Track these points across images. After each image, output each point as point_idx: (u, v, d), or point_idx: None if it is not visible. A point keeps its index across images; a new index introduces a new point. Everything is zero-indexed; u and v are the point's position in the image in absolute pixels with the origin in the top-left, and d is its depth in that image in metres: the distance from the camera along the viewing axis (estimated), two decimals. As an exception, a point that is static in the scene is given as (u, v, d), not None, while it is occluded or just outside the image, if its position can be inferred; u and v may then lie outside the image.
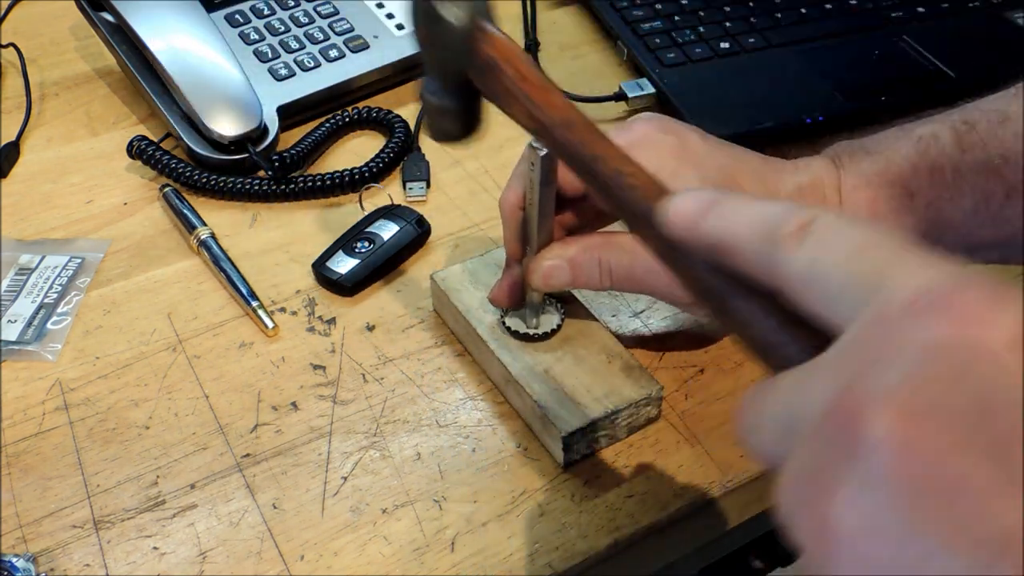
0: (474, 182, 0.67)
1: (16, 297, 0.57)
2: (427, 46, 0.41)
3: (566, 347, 0.51)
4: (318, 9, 0.76)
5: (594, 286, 0.49)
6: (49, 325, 0.56)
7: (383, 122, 0.71)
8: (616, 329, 0.55)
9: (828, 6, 0.80)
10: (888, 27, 0.78)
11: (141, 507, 0.47)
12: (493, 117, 0.74)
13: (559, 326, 0.51)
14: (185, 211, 0.62)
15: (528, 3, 0.85)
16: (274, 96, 0.69)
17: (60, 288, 0.58)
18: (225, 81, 0.66)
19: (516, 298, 0.51)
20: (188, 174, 0.64)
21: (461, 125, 0.43)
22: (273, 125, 0.68)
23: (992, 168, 0.45)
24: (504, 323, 0.51)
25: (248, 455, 0.49)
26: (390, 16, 0.76)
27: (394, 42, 0.75)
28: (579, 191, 0.48)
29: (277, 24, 0.74)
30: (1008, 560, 0.20)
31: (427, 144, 0.70)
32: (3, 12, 0.83)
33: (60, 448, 0.49)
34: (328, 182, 0.65)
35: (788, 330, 0.28)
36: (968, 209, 0.45)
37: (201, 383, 0.53)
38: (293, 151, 0.66)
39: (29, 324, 0.56)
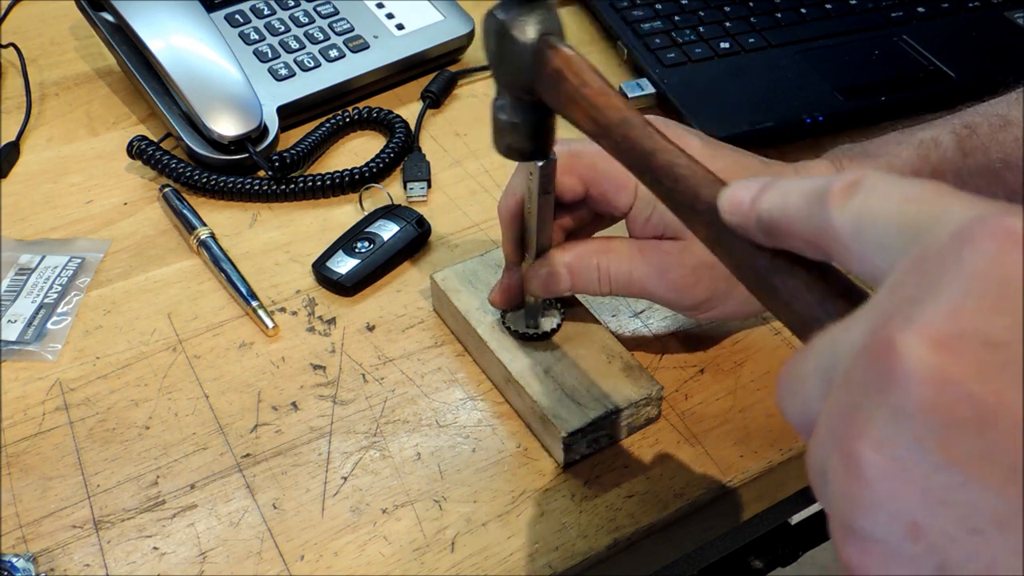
0: (474, 182, 0.67)
1: (16, 297, 0.57)
2: (497, 62, 0.42)
3: (566, 347, 0.51)
4: (318, 9, 0.76)
5: (593, 292, 0.49)
6: (49, 325, 0.56)
7: (383, 122, 0.71)
8: (616, 329, 0.55)
9: (828, 6, 0.80)
10: (888, 27, 0.78)
11: (141, 507, 0.47)
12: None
13: (559, 326, 0.51)
14: (185, 211, 0.62)
15: (528, 3, 0.85)
16: (274, 96, 0.69)
17: (60, 288, 0.58)
18: (225, 81, 0.66)
19: (515, 300, 0.51)
20: (188, 174, 0.64)
21: (531, 142, 0.43)
22: (273, 125, 0.68)
23: (993, 172, 0.45)
24: (504, 323, 0.51)
25: (248, 455, 0.49)
26: (390, 16, 0.76)
27: (394, 42, 0.75)
28: (578, 196, 0.48)
29: (277, 24, 0.74)
30: None
31: (427, 144, 0.70)
32: (3, 12, 0.83)
33: (60, 448, 0.49)
34: (328, 182, 0.65)
35: (831, 303, 0.29)
36: None
37: (201, 383, 0.53)
38: (293, 151, 0.66)
39: (29, 324, 0.56)
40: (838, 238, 0.26)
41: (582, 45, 0.82)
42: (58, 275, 0.59)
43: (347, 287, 0.58)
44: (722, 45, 0.76)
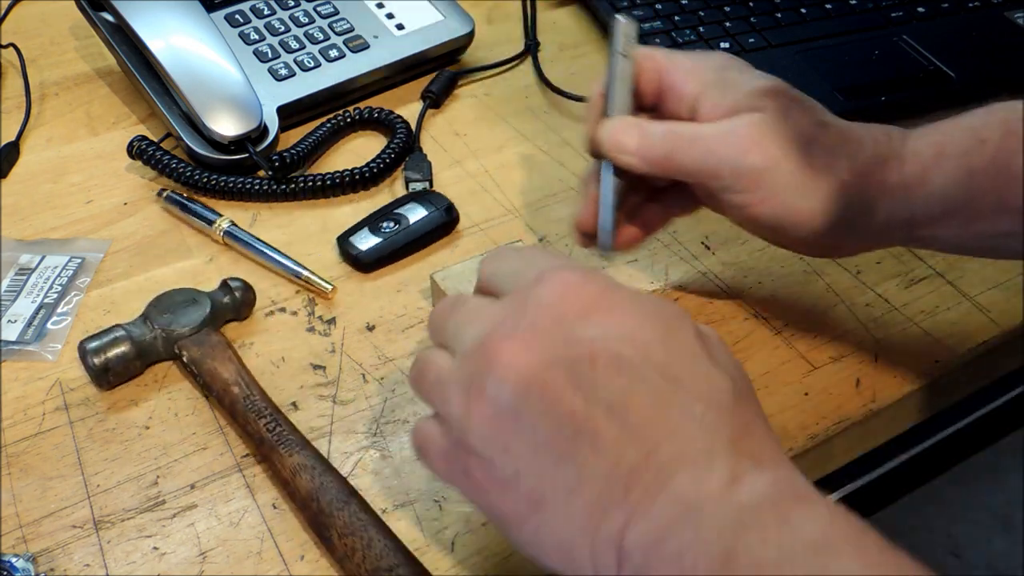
0: (474, 182, 0.67)
1: (16, 297, 0.57)
2: None
3: None
4: (318, 9, 0.76)
5: (659, 151, 0.47)
6: (49, 325, 0.56)
7: (384, 122, 0.71)
8: (616, 329, 0.55)
9: (828, 6, 0.80)
10: (888, 27, 0.78)
11: (141, 507, 0.47)
12: (495, 119, 0.74)
13: None
14: (196, 207, 0.63)
15: (528, 3, 0.85)
16: (274, 96, 0.69)
17: (60, 288, 0.58)
18: (225, 81, 0.66)
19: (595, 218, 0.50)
20: (188, 174, 0.64)
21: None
22: (273, 125, 0.68)
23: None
24: None
25: (248, 455, 0.49)
26: (390, 16, 0.76)
27: (394, 42, 0.75)
28: (654, 88, 0.50)
29: (277, 24, 0.74)
30: (571, 427, 0.34)
31: (427, 144, 0.70)
32: (3, 12, 0.83)
33: (60, 448, 0.49)
34: (328, 182, 0.65)
35: None
36: None
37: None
38: (293, 151, 0.66)
39: (29, 324, 0.56)
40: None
41: (582, 45, 0.82)
42: (58, 275, 0.59)
43: (365, 264, 0.59)
44: (722, 45, 0.76)
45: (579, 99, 0.74)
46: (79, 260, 0.60)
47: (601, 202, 0.49)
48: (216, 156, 0.66)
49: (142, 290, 0.58)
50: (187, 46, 0.67)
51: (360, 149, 0.70)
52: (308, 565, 0.44)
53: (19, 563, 0.44)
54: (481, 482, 0.36)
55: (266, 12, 0.75)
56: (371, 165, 0.66)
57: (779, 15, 0.79)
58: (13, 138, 0.70)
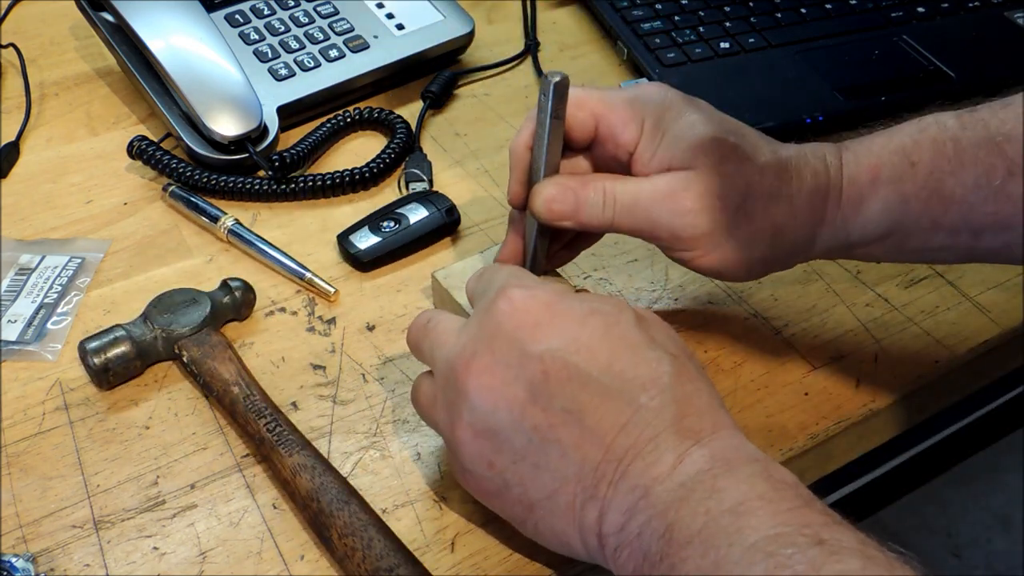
0: (474, 182, 0.67)
1: (16, 297, 0.57)
2: None
3: None
4: (318, 9, 0.76)
5: (596, 218, 0.48)
6: (49, 325, 0.56)
7: (384, 122, 0.71)
8: (616, 329, 0.55)
9: (828, 6, 0.80)
10: (888, 27, 0.78)
11: (141, 507, 0.47)
12: (495, 119, 0.74)
13: None
14: (201, 204, 0.63)
15: (528, 3, 0.85)
16: (274, 96, 0.69)
17: (60, 288, 0.58)
18: (225, 81, 0.66)
19: (519, 258, 0.51)
20: (188, 174, 0.64)
21: None
22: (273, 125, 0.68)
23: (993, 145, 0.45)
24: None
25: (248, 455, 0.49)
26: (390, 16, 0.76)
27: (394, 42, 0.75)
28: (588, 132, 0.48)
29: (277, 24, 0.74)
30: (534, 436, 0.39)
31: (427, 144, 0.70)
32: (3, 12, 0.83)
33: (60, 448, 0.49)
34: (328, 182, 0.65)
35: None
36: (969, 183, 0.45)
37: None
38: (293, 151, 0.66)
39: (29, 324, 0.56)
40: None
41: (582, 45, 0.82)
42: (58, 275, 0.59)
43: (363, 263, 0.59)
44: (722, 45, 0.76)
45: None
46: (79, 260, 0.60)
47: (527, 249, 0.50)
48: (216, 156, 0.66)
49: (142, 290, 0.58)
50: (187, 46, 0.67)
51: (360, 149, 0.70)
52: (308, 565, 0.44)
53: (19, 563, 0.44)
54: (484, 493, 0.42)
55: (266, 12, 0.75)
56: (371, 165, 0.66)
57: (779, 15, 0.79)
58: (13, 138, 0.70)
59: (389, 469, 0.48)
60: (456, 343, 0.42)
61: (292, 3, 0.76)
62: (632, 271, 0.59)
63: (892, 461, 0.84)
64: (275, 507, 0.47)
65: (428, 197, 0.63)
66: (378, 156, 0.67)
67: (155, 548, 0.45)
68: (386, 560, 0.42)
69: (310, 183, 0.65)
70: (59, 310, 0.57)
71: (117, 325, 0.53)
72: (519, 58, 0.79)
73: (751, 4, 0.80)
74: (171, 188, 0.64)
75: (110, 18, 0.71)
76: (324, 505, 0.44)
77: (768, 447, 0.49)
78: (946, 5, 0.80)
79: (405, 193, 0.65)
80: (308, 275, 0.58)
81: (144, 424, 0.51)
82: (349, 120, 0.70)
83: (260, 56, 0.72)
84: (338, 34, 0.74)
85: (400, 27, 0.76)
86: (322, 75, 0.72)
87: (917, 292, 0.58)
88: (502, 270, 0.45)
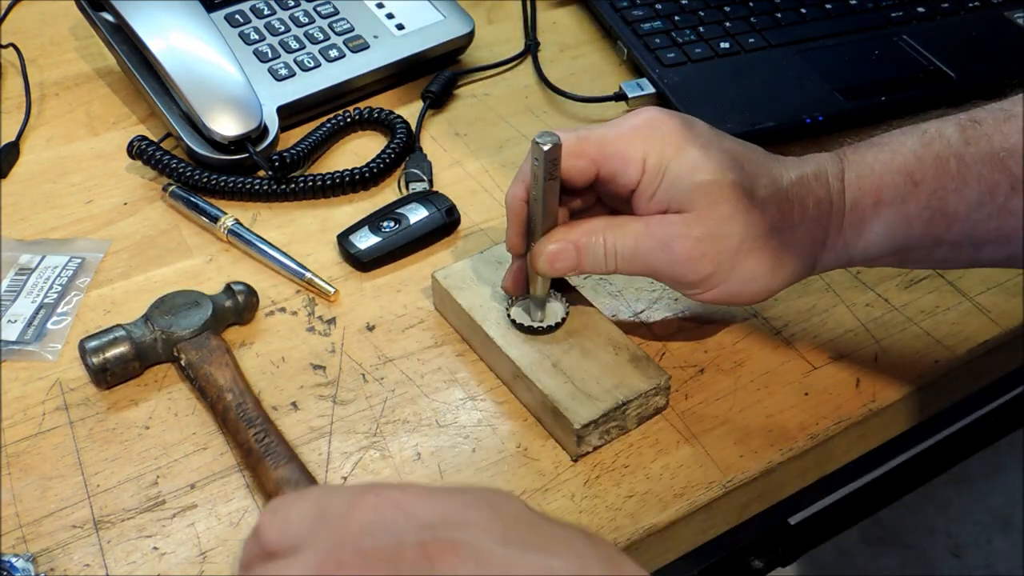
0: (474, 182, 0.67)
1: (16, 297, 0.57)
2: None
3: (572, 340, 0.51)
4: (318, 9, 0.76)
5: (599, 269, 0.49)
6: (49, 325, 0.56)
7: (384, 122, 0.71)
8: (616, 329, 0.55)
9: (828, 6, 0.80)
10: (888, 27, 0.78)
11: (141, 507, 0.47)
12: (495, 119, 0.74)
13: (564, 319, 0.51)
14: (201, 204, 0.63)
15: (528, 3, 0.85)
16: (274, 96, 0.69)
17: (60, 288, 0.58)
18: (225, 81, 0.66)
19: (525, 286, 0.52)
20: (188, 174, 0.64)
21: None
22: (273, 125, 0.68)
23: (997, 160, 0.45)
24: (509, 317, 0.52)
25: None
26: (390, 16, 0.76)
27: (394, 42, 0.75)
28: (589, 179, 0.48)
29: (277, 24, 0.74)
30: None
31: (427, 144, 0.70)
32: (3, 12, 0.83)
33: (60, 448, 0.49)
34: (328, 182, 0.65)
35: None
36: (973, 201, 0.45)
37: (201, 383, 0.53)
38: (293, 151, 0.66)
39: (29, 324, 0.56)
40: None
41: (582, 45, 0.82)
42: (58, 275, 0.59)
43: (363, 263, 0.59)
44: (722, 45, 0.76)
45: (580, 99, 0.74)
46: (79, 260, 0.60)
47: (531, 283, 0.51)
48: (216, 156, 0.66)
49: (142, 290, 0.58)
50: (187, 46, 0.67)
51: (360, 149, 0.70)
52: (308, 565, 0.44)
53: (19, 563, 0.44)
54: None
55: (266, 12, 0.75)
56: (371, 165, 0.66)
57: (779, 15, 0.79)
58: (13, 138, 0.70)
59: (389, 469, 0.48)
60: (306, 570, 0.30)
61: (292, 3, 0.76)
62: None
63: (892, 461, 0.84)
64: (275, 507, 0.47)
65: (428, 197, 0.63)
66: (378, 156, 0.67)
67: (155, 548, 0.45)
68: None
69: (310, 183, 0.65)
70: (59, 310, 0.57)
71: (118, 325, 0.53)
72: (519, 58, 0.79)
73: (751, 4, 0.80)
74: (171, 188, 0.64)
75: (110, 18, 0.71)
76: None
77: (768, 447, 0.49)
78: (946, 5, 0.80)
79: (405, 193, 0.65)
80: (308, 275, 0.58)
81: (144, 424, 0.51)
82: (349, 120, 0.70)
83: (260, 56, 0.72)
84: (338, 34, 0.74)
85: (400, 27, 0.76)
86: (322, 75, 0.72)
87: (917, 292, 0.58)
88: (333, 491, 0.35)
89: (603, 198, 0.51)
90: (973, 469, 1.57)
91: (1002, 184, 0.45)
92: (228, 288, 0.55)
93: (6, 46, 0.78)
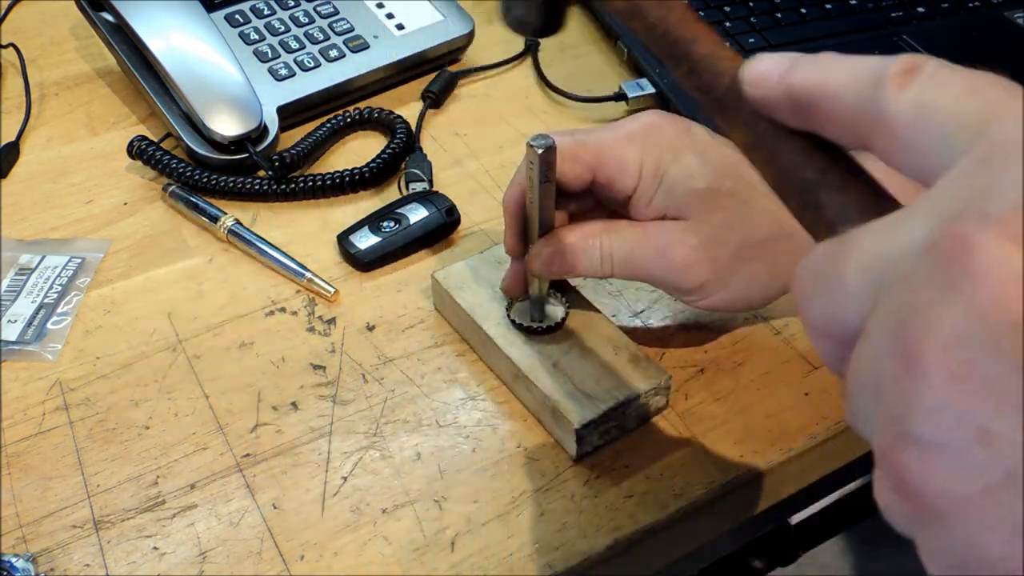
0: (474, 182, 0.67)
1: (16, 297, 0.57)
2: None
3: (572, 340, 0.51)
4: (318, 9, 0.76)
5: (595, 273, 0.49)
6: (49, 325, 0.56)
7: (384, 122, 0.71)
8: (616, 329, 0.55)
9: (828, 6, 0.80)
10: (888, 27, 0.78)
11: (141, 507, 0.47)
12: (495, 119, 0.74)
13: (564, 319, 0.52)
14: (201, 204, 0.63)
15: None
16: (274, 96, 0.69)
17: (60, 288, 0.58)
18: (225, 81, 0.66)
19: (524, 288, 0.52)
20: (188, 174, 0.64)
21: (542, 17, 0.43)
22: (273, 125, 0.68)
23: None
24: (509, 317, 0.52)
25: (248, 455, 0.49)
26: (390, 16, 0.76)
27: (394, 42, 0.75)
28: (584, 183, 0.48)
29: (277, 24, 0.74)
30: None
31: (427, 144, 0.70)
32: (3, 12, 0.83)
33: (60, 448, 0.49)
34: (328, 182, 0.65)
35: (886, 199, 0.26)
36: None
37: (201, 383, 0.53)
38: (293, 151, 0.66)
39: (29, 324, 0.56)
40: (892, 128, 0.25)
41: (582, 45, 0.82)
42: (58, 275, 0.59)
43: (363, 263, 0.59)
44: (722, 45, 0.75)
45: (580, 99, 0.74)
46: (79, 260, 0.60)
47: (530, 284, 0.52)
48: (216, 156, 0.66)
49: (142, 290, 0.58)
50: (187, 46, 0.67)
51: (360, 149, 0.70)
52: (308, 565, 0.44)
53: (19, 563, 0.44)
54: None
55: (266, 12, 0.75)
56: (371, 165, 0.66)
57: (779, 15, 0.79)
58: (13, 138, 0.70)
59: (389, 469, 0.48)
60: (945, 206, 0.22)
61: (292, 3, 0.76)
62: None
63: (892, 461, 0.84)
64: (275, 507, 0.47)
65: (428, 197, 0.63)
66: (378, 156, 0.67)
67: (155, 548, 0.45)
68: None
69: (310, 183, 0.65)
70: (59, 310, 0.57)
71: None
72: (519, 58, 0.79)
73: (751, 4, 0.80)
74: (171, 188, 0.64)
75: (110, 18, 0.71)
76: None
77: (768, 447, 0.49)
78: (946, 5, 0.80)
79: (405, 193, 0.65)
80: (308, 275, 0.58)
81: (144, 424, 0.51)
82: (349, 120, 0.70)
83: (260, 56, 0.72)
84: (338, 34, 0.74)
85: (400, 27, 0.76)
86: (322, 75, 0.72)
87: (917, 292, 0.58)
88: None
89: (602, 201, 0.51)
90: (973, 469, 1.57)
91: None
92: None
93: (6, 46, 0.78)
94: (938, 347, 0.20)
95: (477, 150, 0.70)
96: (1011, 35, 0.78)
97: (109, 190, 0.66)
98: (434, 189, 0.66)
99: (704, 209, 0.47)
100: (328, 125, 0.69)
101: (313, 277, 0.58)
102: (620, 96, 0.73)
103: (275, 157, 0.65)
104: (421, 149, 0.69)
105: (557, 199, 0.48)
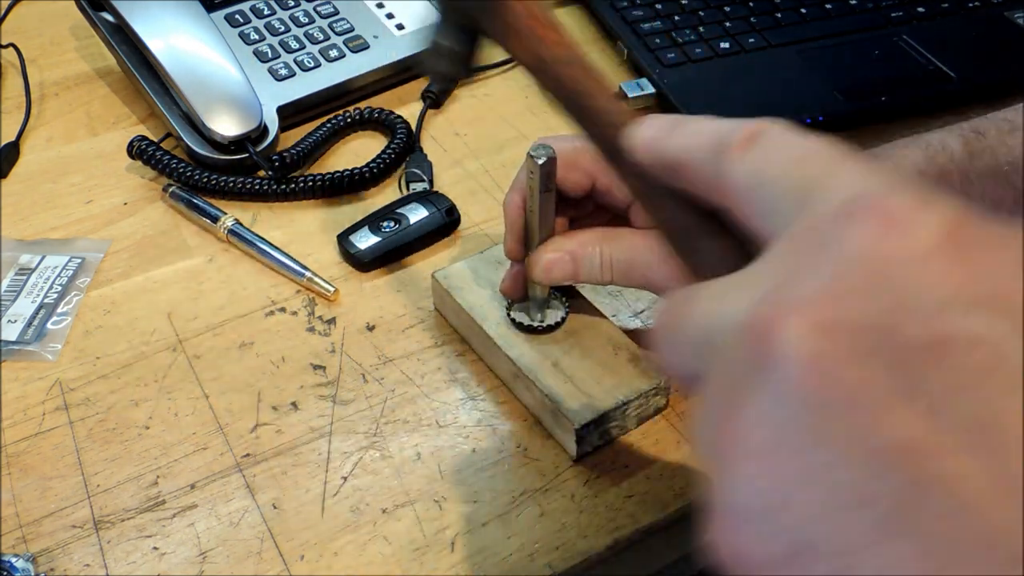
0: (474, 182, 0.67)
1: (16, 297, 0.57)
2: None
3: (572, 340, 0.51)
4: (318, 9, 0.76)
5: (595, 279, 0.49)
6: (49, 325, 0.56)
7: (384, 122, 0.71)
8: (616, 329, 0.55)
9: (828, 6, 0.80)
10: (888, 27, 0.78)
11: (141, 507, 0.47)
12: (495, 119, 0.74)
13: (564, 319, 0.52)
14: (201, 204, 0.63)
15: (528, 3, 0.85)
16: (274, 96, 0.69)
17: (60, 288, 0.58)
18: (225, 81, 0.66)
19: (524, 290, 0.52)
20: (188, 174, 0.64)
21: (460, 66, 0.43)
22: (273, 125, 0.68)
23: (1001, 175, 0.45)
24: (509, 317, 0.52)
25: (248, 455, 0.49)
26: (390, 16, 0.76)
27: (394, 42, 0.75)
28: (584, 190, 0.48)
29: (277, 24, 0.74)
30: (899, 472, 0.20)
31: (427, 144, 0.70)
32: (3, 12, 0.83)
33: (60, 448, 0.49)
34: (328, 182, 0.65)
35: (734, 255, 0.29)
36: None
37: (201, 383, 0.53)
38: (293, 151, 0.66)
39: (29, 324, 0.56)
40: (734, 193, 0.26)
41: (582, 45, 0.81)
42: (58, 275, 0.59)
43: (363, 263, 0.59)
44: (722, 45, 0.76)
45: (579, 99, 0.74)
46: (79, 260, 0.60)
47: (529, 286, 0.52)
48: (216, 156, 0.66)
49: (142, 290, 0.58)
50: (187, 46, 0.67)
51: (360, 149, 0.70)
52: (308, 565, 0.44)
53: (19, 563, 0.44)
54: (759, 559, 0.23)
55: (266, 12, 0.75)
56: (371, 165, 0.66)
57: (779, 15, 0.79)
58: (13, 138, 0.70)
59: (389, 469, 0.48)
60: (762, 283, 0.23)
61: (292, 3, 0.76)
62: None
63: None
64: (275, 507, 0.47)
65: (428, 197, 0.63)
66: (378, 156, 0.67)
67: (155, 548, 0.45)
68: None
69: (310, 183, 0.65)
70: (59, 310, 0.57)
71: None
72: (519, 58, 0.79)
73: (751, 4, 0.80)
74: (171, 188, 0.64)
75: (110, 18, 0.71)
76: None
77: (768, 447, 0.49)
78: (946, 5, 0.80)
79: (405, 193, 0.65)
80: (308, 275, 0.58)
81: (144, 424, 0.51)
82: (349, 120, 0.70)
83: (260, 56, 0.72)
84: (338, 34, 0.74)
85: (400, 27, 0.76)
86: (322, 75, 0.72)
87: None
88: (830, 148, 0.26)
89: (602, 206, 0.51)
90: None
91: (1006, 199, 0.45)
92: None
93: (6, 46, 0.78)
94: (750, 424, 0.22)
95: (477, 150, 0.70)
96: (1011, 35, 0.78)
97: (109, 190, 0.66)
98: (434, 189, 0.66)
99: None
100: (328, 125, 0.69)
101: (313, 277, 0.58)
102: (620, 96, 0.73)
103: (275, 157, 0.65)
104: (421, 149, 0.69)
105: (557, 205, 0.48)
